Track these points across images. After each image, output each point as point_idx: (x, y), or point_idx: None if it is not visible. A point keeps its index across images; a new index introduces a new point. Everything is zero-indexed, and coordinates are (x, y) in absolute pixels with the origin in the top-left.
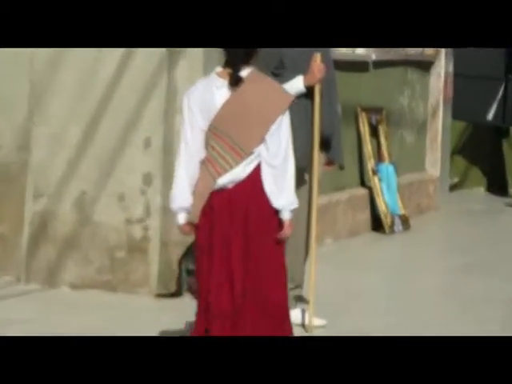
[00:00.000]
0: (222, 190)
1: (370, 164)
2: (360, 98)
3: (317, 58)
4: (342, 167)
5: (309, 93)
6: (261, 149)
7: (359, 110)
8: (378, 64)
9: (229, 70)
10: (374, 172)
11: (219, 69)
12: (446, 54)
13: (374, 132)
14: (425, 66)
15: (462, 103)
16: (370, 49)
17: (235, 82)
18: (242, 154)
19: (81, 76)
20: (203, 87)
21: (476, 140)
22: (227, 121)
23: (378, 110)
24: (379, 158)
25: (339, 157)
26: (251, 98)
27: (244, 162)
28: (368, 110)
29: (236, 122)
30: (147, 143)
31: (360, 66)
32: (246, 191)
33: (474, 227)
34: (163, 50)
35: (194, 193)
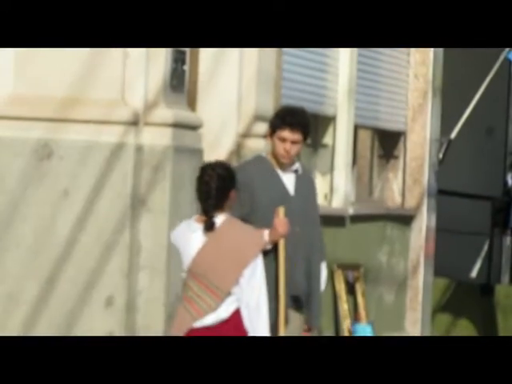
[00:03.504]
0: (207, 329)
1: (345, 324)
2: (336, 255)
3: (279, 213)
4: (319, 332)
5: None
6: (238, 291)
7: (335, 266)
8: (356, 218)
9: (204, 217)
10: (350, 333)
11: (198, 215)
12: (428, 209)
13: (351, 290)
14: (405, 220)
15: (445, 259)
16: (347, 202)
17: (209, 227)
18: (220, 294)
19: (37, 230)
20: (183, 229)
21: (459, 298)
22: (203, 264)
23: (355, 267)
24: (356, 317)
25: (317, 320)
26: (225, 243)
27: (226, 303)
28: (344, 267)
29: (211, 264)
30: (109, 302)
31: (336, 221)
32: (230, 331)
33: None
34: (127, 201)
35: (170, 329)
